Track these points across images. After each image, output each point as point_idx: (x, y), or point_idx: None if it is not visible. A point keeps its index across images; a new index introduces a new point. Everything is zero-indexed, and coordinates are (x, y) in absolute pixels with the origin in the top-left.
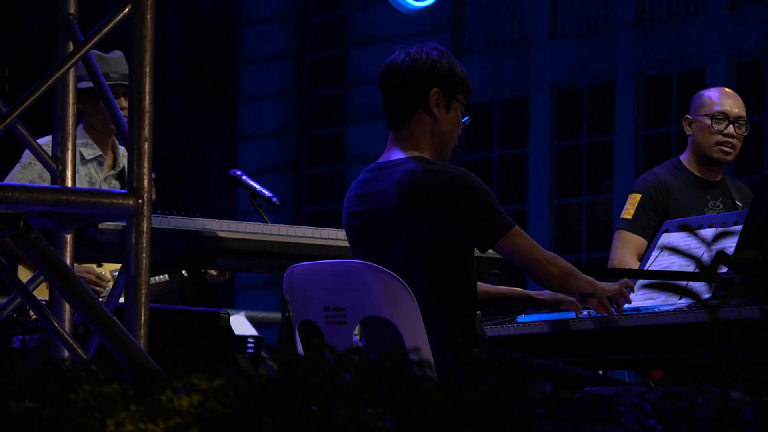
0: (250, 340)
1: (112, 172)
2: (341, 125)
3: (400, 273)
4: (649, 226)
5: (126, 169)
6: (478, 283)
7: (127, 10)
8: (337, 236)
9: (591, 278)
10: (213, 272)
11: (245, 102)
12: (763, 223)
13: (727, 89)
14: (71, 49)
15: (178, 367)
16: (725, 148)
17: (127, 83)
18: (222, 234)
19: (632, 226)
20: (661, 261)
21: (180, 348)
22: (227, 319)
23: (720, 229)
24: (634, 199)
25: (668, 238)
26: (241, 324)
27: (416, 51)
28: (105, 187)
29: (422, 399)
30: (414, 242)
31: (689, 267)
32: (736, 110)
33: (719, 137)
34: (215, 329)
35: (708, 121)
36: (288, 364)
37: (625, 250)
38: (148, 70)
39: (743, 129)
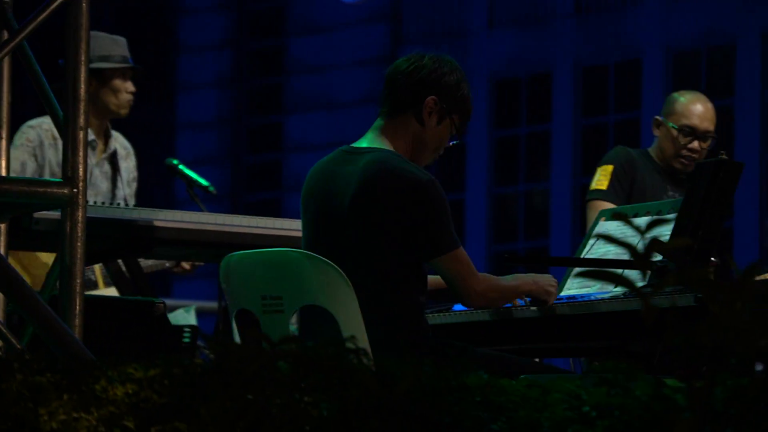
0: (186, 329)
1: (104, 155)
2: (279, 114)
3: (352, 258)
4: (624, 195)
5: (116, 153)
6: None
7: None
8: (273, 225)
9: (513, 284)
10: (186, 266)
11: (182, 91)
12: (697, 211)
13: (701, 97)
14: (6, 38)
15: (113, 357)
16: (685, 161)
17: (126, 65)
18: (158, 223)
19: (607, 195)
20: (597, 249)
21: (115, 337)
22: (163, 309)
23: (654, 217)
24: (606, 170)
25: (603, 226)
26: (191, 316)
27: (432, 56)
28: (97, 171)
29: (358, 387)
30: (368, 230)
31: (625, 255)
32: (705, 125)
33: (683, 151)
34: (151, 318)
35: (675, 133)
36: (224, 353)
37: None
38: (83, 58)
39: (708, 143)
